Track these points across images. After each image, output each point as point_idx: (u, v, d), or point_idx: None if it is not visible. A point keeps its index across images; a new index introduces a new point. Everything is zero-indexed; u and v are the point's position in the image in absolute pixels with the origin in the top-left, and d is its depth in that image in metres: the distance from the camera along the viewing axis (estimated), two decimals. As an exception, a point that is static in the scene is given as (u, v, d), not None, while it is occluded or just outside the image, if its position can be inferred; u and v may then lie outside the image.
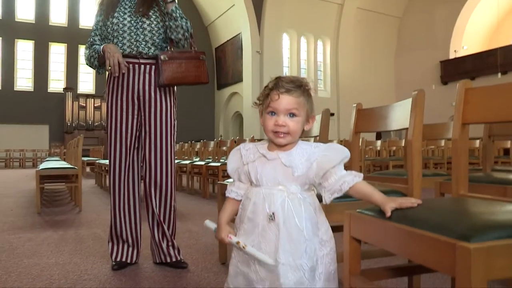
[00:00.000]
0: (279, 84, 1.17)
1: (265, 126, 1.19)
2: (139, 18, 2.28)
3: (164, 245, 2.36)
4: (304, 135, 1.22)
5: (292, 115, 1.16)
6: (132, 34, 2.27)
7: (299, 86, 1.17)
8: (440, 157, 7.15)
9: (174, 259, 2.35)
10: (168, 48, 2.33)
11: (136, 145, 2.36)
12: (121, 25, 2.28)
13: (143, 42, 2.28)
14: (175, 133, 2.41)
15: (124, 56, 2.25)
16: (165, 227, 2.36)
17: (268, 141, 1.22)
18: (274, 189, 1.16)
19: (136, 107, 2.31)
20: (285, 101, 1.15)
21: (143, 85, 2.29)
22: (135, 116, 2.32)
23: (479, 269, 0.75)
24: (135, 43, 2.27)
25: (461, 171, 1.34)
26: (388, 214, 1.05)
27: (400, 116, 1.60)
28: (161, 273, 2.24)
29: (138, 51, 2.27)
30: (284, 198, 1.14)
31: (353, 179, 1.14)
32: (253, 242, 1.16)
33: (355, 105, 1.95)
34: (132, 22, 2.28)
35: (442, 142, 6.33)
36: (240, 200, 1.26)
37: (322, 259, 1.14)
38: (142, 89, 2.29)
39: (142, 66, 2.29)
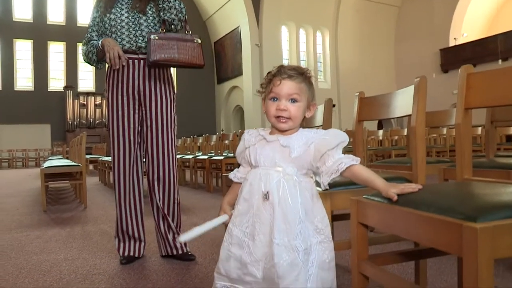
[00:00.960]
0: (281, 70, 1.21)
1: (267, 111, 1.22)
2: (136, 14, 2.29)
3: (170, 238, 2.38)
4: (307, 124, 1.26)
5: (294, 100, 1.19)
6: (131, 29, 2.29)
7: (300, 73, 1.21)
8: (443, 145, 7.15)
9: (180, 252, 2.37)
10: (160, 30, 2.31)
11: (139, 140, 2.37)
12: (119, 21, 2.29)
13: (141, 37, 2.28)
14: (175, 127, 2.42)
15: (124, 52, 2.27)
16: (170, 220, 2.38)
17: (271, 127, 1.26)
18: (270, 169, 1.18)
19: (136, 102, 2.32)
20: (287, 86, 1.19)
21: (143, 80, 2.31)
22: (136, 111, 2.34)
23: (485, 248, 0.76)
24: (133, 38, 2.28)
25: (465, 155, 1.35)
26: (395, 198, 1.06)
27: (403, 103, 1.61)
28: (169, 265, 2.26)
29: (137, 46, 2.29)
30: (279, 178, 1.16)
31: (350, 161, 1.16)
32: (248, 222, 1.17)
33: (358, 93, 1.96)
34: (130, 17, 2.29)
35: (444, 130, 6.34)
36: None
37: (315, 246, 1.15)
38: (142, 84, 2.30)
39: (142, 61, 2.30)
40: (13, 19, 20.43)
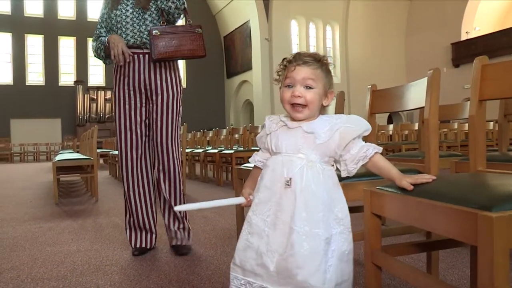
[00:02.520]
0: (296, 57, 1.19)
1: (282, 99, 1.19)
2: (140, 10, 2.31)
3: (175, 228, 2.42)
4: (323, 113, 1.23)
5: (309, 87, 1.16)
6: (135, 25, 2.30)
7: (317, 59, 1.18)
8: (453, 140, 7.09)
9: (179, 243, 2.40)
10: (161, 23, 2.31)
11: (147, 133, 2.40)
12: (124, 17, 2.31)
13: (145, 32, 2.30)
14: (180, 119, 2.45)
15: (129, 47, 2.29)
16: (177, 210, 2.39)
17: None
18: (293, 156, 1.15)
19: (143, 95, 2.35)
20: (302, 71, 1.16)
21: (149, 74, 2.32)
22: (144, 104, 2.36)
23: (501, 237, 0.76)
24: (138, 33, 2.30)
25: (479, 147, 1.35)
26: (410, 187, 1.07)
27: (415, 95, 1.61)
28: (180, 257, 2.28)
29: (142, 41, 2.30)
30: (303, 165, 1.13)
31: (375, 148, 1.16)
32: (269, 211, 1.14)
33: (370, 86, 1.95)
34: (134, 13, 2.31)
35: (455, 125, 6.28)
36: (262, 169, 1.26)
37: (335, 237, 1.11)
38: (148, 78, 2.32)
39: (147, 56, 2.32)
40: (25, 15, 20.59)
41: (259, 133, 1.37)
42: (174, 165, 2.38)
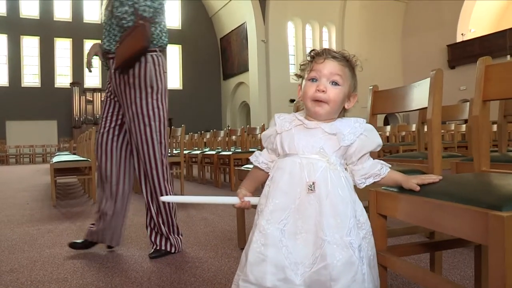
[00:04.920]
0: (325, 51, 1.11)
1: (304, 93, 1.10)
2: (110, 15, 2.30)
3: (148, 232, 2.40)
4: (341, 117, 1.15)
5: (335, 83, 1.08)
6: (108, 30, 2.32)
7: (346, 59, 1.12)
8: (450, 141, 7.12)
9: (152, 245, 2.38)
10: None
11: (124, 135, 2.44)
12: (104, 23, 2.35)
13: (116, 38, 2.30)
14: (160, 119, 2.33)
15: (106, 52, 2.34)
16: (153, 214, 2.36)
17: (304, 113, 1.13)
18: (311, 158, 1.05)
19: (118, 99, 2.39)
20: (330, 65, 1.08)
21: (116, 77, 2.33)
22: (120, 108, 2.40)
23: (512, 236, 0.77)
24: (109, 38, 2.32)
25: (483, 147, 1.35)
26: (417, 188, 1.06)
27: (418, 96, 1.60)
28: (181, 259, 2.27)
29: (113, 46, 2.31)
30: (325, 167, 1.04)
31: (387, 165, 1.12)
32: (287, 219, 1.03)
33: (372, 87, 1.95)
34: (107, 19, 2.33)
35: (452, 126, 6.30)
36: (266, 173, 1.16)
37: (361, 242, 1.04)
38: (116, 81, 2.34)
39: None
40: (20, 16, 20.52)
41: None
42: (152, 169, 2.33)
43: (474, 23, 19.67)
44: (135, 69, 2.26)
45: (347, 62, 1.12)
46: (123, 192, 2.42)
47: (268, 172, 1.15)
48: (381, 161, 1.13)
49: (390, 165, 1.13)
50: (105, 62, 2.42)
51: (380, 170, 1.11)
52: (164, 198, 1.31)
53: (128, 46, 2.18)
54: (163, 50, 2.37)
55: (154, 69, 2.29)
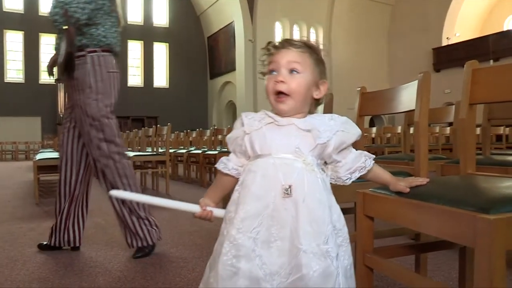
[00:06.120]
0: (283, 41, 1.03)
1: (266, 89, 1.02)
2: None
3: (122, 232, 2.41)
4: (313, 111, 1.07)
5: (294, 71, 0.99)
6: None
7: (307, 45, 1.03)
8: (435, 143, 7.20)
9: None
10: None
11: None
12: None
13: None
14: (102, 118, 2.29)
15: None
16: (118, 210, 2.35)
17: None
18: (286, 158, 0.96)
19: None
20: (287, 53, 1.00)
21: (66, 85, 2.43)
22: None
23: (499, 239, 0.77)
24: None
25: (469, 150, 1.36)
26: (407, 190, 1.06)
27: (406, 98, 1.61)
28: (167, 259, 2.25)
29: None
30: (302, 168, 0.95)
31: (371, 157, 1.06)
32: (260, 227, 0.94)
33: (359, 88, 1.96)
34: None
35: (437, 129, 6.38)
36: (236, 179, 1.05)
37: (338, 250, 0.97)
38: (67, 87, 2.45)
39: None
40: (3, 10, 20.16)
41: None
42: (104, 167, 2.31)
43: (460, 28, 19.96)
44: (76, 72, 2.28)
45: (309, 48, 1.02)
46: (79, 193, 2.44)
47: (238, 178, 1.05)
48: (364, 152, 1.06)
49: (373, 156, 1.07)
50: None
51: (365, 162, 1.04)
52: (112, 193, 1.21)
53: (63, 53, 2.23)
54: (111, 50, 2.33)
55: (93, 70, 2.28)
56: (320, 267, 0.90)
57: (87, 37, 2.26)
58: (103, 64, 2.30)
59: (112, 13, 2.32)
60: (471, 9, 20.09)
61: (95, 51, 2.28)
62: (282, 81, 0.98)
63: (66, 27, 2.20)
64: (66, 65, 2.22)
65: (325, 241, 0.92)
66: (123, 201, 2.31)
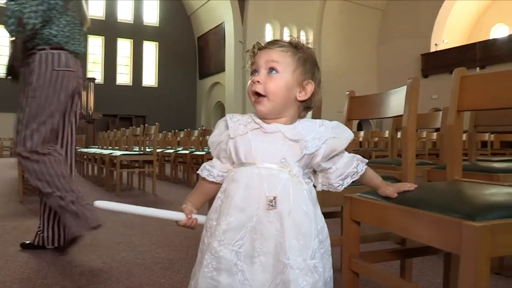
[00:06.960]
0: (269, 41, 1.00)
1: (247, 90, 0.99)
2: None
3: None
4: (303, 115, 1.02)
5: (273, 69, 0.95)
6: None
7: (292, 45, 0.99)
8: (421, 148, 7.26)
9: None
10: None
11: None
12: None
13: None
14: (35, 115, 2.36)
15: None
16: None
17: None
18: (272, 168, 0.92)
19: None
20: (266, 53, 0.96)
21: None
22: None
23: (485, 246, 0.78)
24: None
25: (456, 156, 1.37)
26: (395, 195, 1.06)
27: (394, 103, 1.62)
28: (152, 260, 2.23)
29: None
30: (287, 180, 0.91)
31: (363, 161, 1.03)
32: (242, 240, 0.90)
33: (348, 92, 1.97)
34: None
35: (424, 134, 6.43)
36: (218, 184, 1.01)
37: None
38: None
39: None
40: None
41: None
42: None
43: (448, 34, 20.20)
44: (23, 69, 2.29)
45: (293, 47, 0.98)
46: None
47: (219, 183, 1.01)
48: (357, 156, 1.03)
49: (366, 160, 1.04)
50: None
51: (357, 167, 1.00)
52: (97, 203, 1.07)
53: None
54: (62, 48, 2.28)
55: (38, 67, 2.25)
56: (307, 283, 0.87)
57: (38, 37, 2.23)
58: (50, 61, 2.26)
59: (67, 12, 2.29)
60: (459, 17, 20.34)
61: (44, 49, 2.26)
62: (258, 82, 0.95)
63: (13, 38, 2.17)
64: (9, 74, 2.29)
65: (312, 255, 0.89)
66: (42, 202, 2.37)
